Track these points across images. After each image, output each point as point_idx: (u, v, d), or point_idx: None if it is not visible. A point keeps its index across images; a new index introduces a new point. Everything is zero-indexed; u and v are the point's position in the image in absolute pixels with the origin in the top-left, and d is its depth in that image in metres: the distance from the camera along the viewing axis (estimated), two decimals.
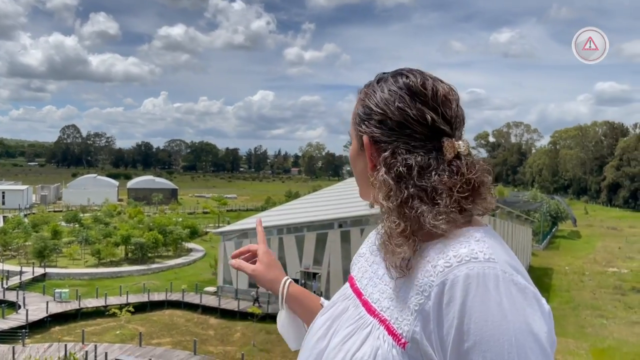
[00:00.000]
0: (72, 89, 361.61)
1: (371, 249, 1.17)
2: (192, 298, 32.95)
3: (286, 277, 1.42)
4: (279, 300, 1.40)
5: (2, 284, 33.99)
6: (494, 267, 0.90)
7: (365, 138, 1.07)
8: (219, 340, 27.82)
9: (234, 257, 1.50)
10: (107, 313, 29.61)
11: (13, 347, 24.14)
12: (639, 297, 36.45)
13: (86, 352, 23.72)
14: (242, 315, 30.57)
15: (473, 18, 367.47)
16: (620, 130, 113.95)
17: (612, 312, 32.97)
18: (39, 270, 37.96)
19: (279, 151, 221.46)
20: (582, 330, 29.43)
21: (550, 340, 0.89)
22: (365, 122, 1.07)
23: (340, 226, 32.45)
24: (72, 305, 30.78)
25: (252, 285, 32.32)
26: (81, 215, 58.32)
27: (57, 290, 32.11)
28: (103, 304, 31.28)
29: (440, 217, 0.95)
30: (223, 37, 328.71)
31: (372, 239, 1.19)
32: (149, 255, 43.58)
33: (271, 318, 29.34)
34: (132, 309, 29.55)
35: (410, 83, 1.03)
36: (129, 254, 43.50)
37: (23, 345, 24.98)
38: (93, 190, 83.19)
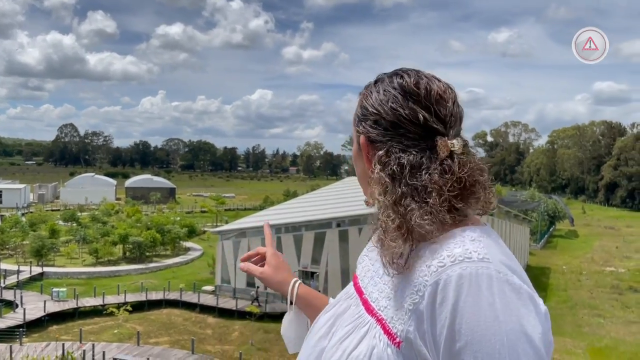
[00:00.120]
0: (69, 87, 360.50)
1: (376, 247, 1.18)
2: (190, 297, 32.91)
3: (295, 279, 1.43)
4: (287, 301, 1.40)
5: None
6: (488, 267, 0.90)
7: (362, 138, 1.08)
8: (216, 339, 27.80)
9: (243, 260, 1.50)
10: (105, 312, 29.57)
11: (10, 346, 24.08)
12: (636, 296, 36.55)
13: (84, 351, 23.72)
14: (240, 315, 30.54)
15: (471, 17, 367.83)
16: (618, 129, 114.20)
17: (610, 312, 33.04)
18: (37, 269, 37.90)
19: (277, 150, 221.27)
20: (579, 329, 29.49)
21: (545, 342, 0.88)
22: (362, 123, 1.09)
23: (338, 225, 32.45)
24: (70, 304, 30.73)
25: (250, 284, 32.30)
26: (79, 214, 58.32)
27: (54, 289, 32.08)
28: (101, 303, 31.27)
29: (426, 217, 0.95)
30: (221, 36, 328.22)
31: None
32: (147, 254, 43.57)
33: (269, 317, 29.35)
34: (130, 308, 29.50)
35: (404, 83, 1.04)
36: (127, 253, 43.48)
37: (20, 344, 24.95)
38: (91, 189, 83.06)
